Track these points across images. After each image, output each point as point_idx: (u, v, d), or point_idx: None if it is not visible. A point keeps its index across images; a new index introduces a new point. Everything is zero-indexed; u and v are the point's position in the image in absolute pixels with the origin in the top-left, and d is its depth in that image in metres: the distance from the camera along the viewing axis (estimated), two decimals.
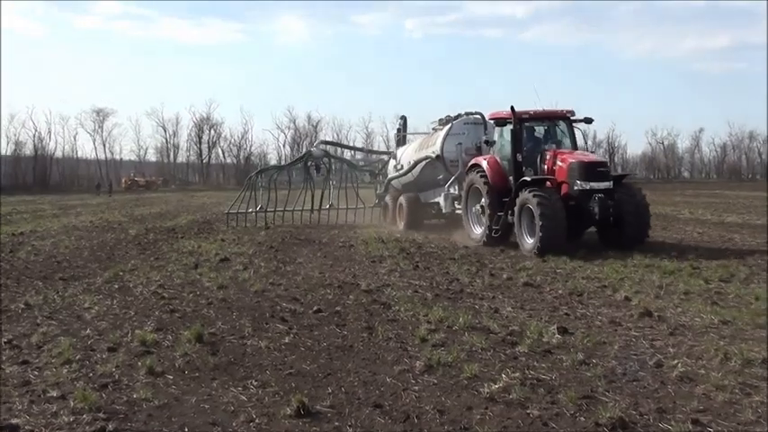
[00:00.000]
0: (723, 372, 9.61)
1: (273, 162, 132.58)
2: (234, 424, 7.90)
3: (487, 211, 25.44)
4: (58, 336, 12.02)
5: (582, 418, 7.92)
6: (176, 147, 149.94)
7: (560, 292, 15.99)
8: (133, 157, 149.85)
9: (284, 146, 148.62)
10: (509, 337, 11.65)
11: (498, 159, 26.22)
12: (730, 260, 19.71)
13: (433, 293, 15.78)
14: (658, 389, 9.03)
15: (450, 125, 31.80)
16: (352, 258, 22.47)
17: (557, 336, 11.61)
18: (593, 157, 25.50)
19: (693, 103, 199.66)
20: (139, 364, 10.18)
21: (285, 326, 12.67)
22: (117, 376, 9.69)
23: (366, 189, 42.01)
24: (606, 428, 7.57)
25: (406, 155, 35.73)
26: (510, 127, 25.55)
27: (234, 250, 24.20)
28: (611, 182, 23.86)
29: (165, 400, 8.76)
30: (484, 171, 26.01)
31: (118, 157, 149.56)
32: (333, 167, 40.59)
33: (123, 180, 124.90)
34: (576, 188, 23.40)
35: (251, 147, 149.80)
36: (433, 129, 33.92)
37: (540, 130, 26.45)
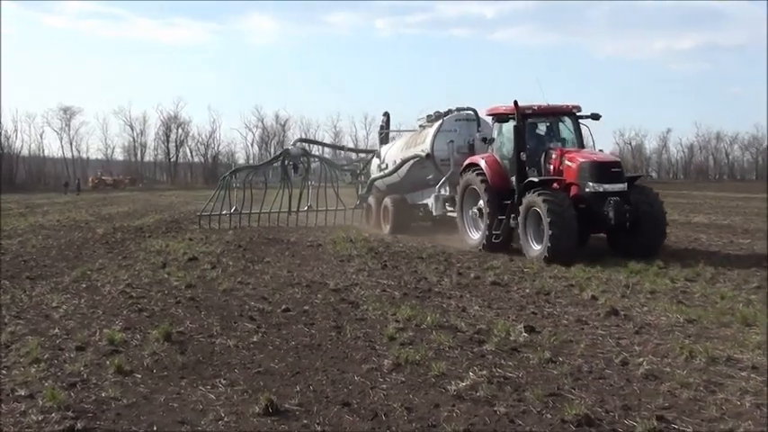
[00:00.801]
0: (688, 369, 9.74)
1: (242, 161, 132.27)
2: (202, 422, 7.93)
3: (486, 215, 23.67)
4: (26, 335, 12.00)
5: (548, 416, 8.00)
6: (144, 146, 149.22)
7: (528, 291, 16.13)
8: (100, 156, 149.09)
9: (252, 145, 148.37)
10: (476, 335, 11.73)
11: (498, 158, 24.41)
12: (696, 260, 19.81)
13: (402, 292, 15.84)
14: (624, 386, 9.15)
15: (440, 122, 29.91)
16: (320, 258, 22.47)
17: (524, 334, 11.70)
18: (606, 157, 23.66)
19: (661, 104, 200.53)
20: (108, 363, 10.16)
21: (253, 325, 12.69)
22: (85, 375, 9.69)
23: (346, 189, 39.44)
24: (572, 425, 7.66)
25: (391, 153, 33.80)
26: (511, 123, 23.66)
27: (202, 249, 24.15)
28: (626, 184, 22.03)
29: (133, 398, 8.76)
30: (482, 171, 24.16)
31: (85, 156, 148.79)
32: (311, 167, 38.53)
33: (90, 179, 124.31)
34: (587, 190, 21.61)
35: (219, 146, 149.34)
36: (421, 126, 32.23)
37: (543, 127, 24.74)
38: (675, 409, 8.21)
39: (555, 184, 22.12)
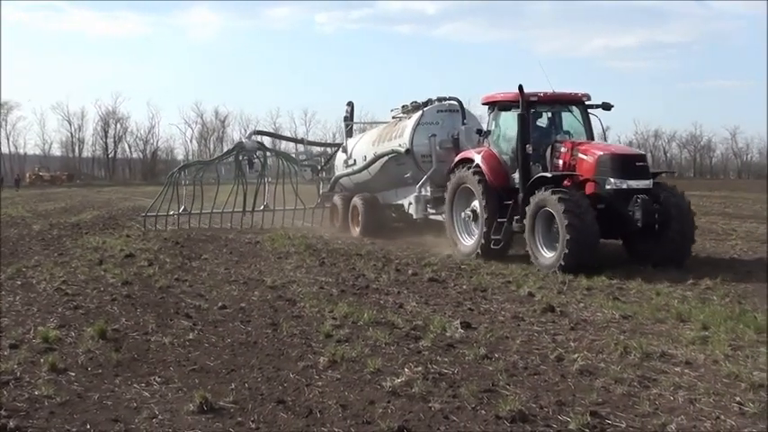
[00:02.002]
0: (622, 365, 9.84)
1: (180, 157, 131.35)
2: (136, 420, 7.87)
3: (484, 217, 20.92)
4: None
5: (483, 411, 8.04)
6: (82, 141, 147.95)
7: (465, 287, 16.22)
8: (38, 152, 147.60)
9: (191, 141, 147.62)
10: (413, 331, 11.76)
11: (496, 153, 21.74)
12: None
13: (339, 289, 15.83)
14: (558, 382, 9.22)
15: (420, 113, 27.01)
16: (257, 255, 22.42)
17: (460, 330, 11.75)
18: (628, 149, 21.82)
19: (600, 101, 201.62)
20: (42, 360, 10.05)
21: (189, 322, 12.63)
22: (18, 373, 9.55)
23: (305, 187, 35.96)
24: (506, 421, 7.70)
25: (360, 148, 30.94)
26: (510, 113, 21.44)
27: (139, 246, 23.97)
28: (651, 180, 19.55)
29: (67, 397, 8.67)
30: (478, 167, 21.45)
31: (22, 152, 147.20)
32: (268, 162, 35.61)
33: (27, 175, 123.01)
34: (608, 187, 18.98)
35: (158, 142, 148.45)
36: (394, 117, 29.53)
37: (545, 118, 22.17)
38: (609, 405, 8.30)
39: (566, 182, 19.66)
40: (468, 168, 21.83)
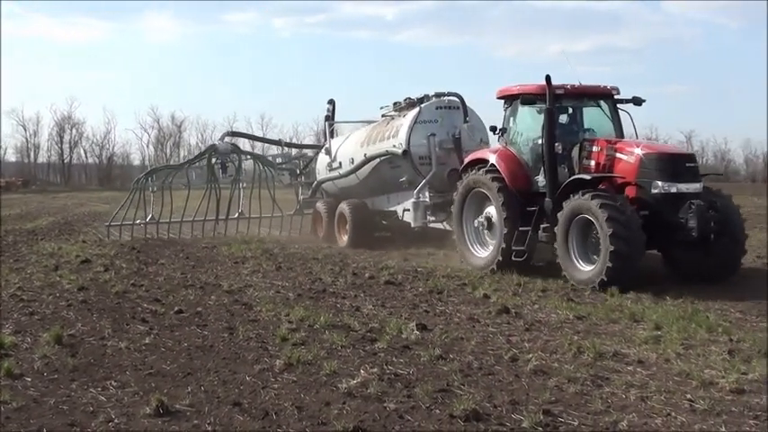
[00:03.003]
0: (576, 365, 9.99)
1: (137, 163, 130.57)
2: (93, 424, 7.88)
3: (503, 226, 18.62)
4: None
5: (437, 411, 8.12)
6: (37, 147, 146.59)
7: (421, 290, 16.32)
8: None
9: (148, 146, 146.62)
10: (369, 334, 11.85)
11: (515, 152, 19.57)
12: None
13: (296, 293, 15.88)
14: (513, 382, 9.34)
15: (416, 110, 24.58)
16: (214, 259, 22.38)
17: (416, 332, 11.83)
18: (676, 148, 19.06)
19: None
20: None
21: (146, 326, 12.62)
22: None
23: (284, 192, 33.74)
24: (460, 420, 7.78)
25: (346, 150, 28.08)
26: (529, 108, 19.38)
27: (95, 252, 23.85)
28: (701, 183, 17.46)
29: (23, 402, 8.65)
30: (495, 169, 19.20)
31: None
32: (243, 166, 32.43)
33: None
34: (654, 191, 16.88)
35: (114, 147, 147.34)
36: (385, 116, 26.93)
37: (568, 113, 19.74)
38: (562, 403, 8.41)
39: (600, 185, 17.51)
40: (482, 170, 19.56)
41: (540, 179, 18.70)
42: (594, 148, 18.14)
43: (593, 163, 18.06)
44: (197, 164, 33.99)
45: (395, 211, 25.71)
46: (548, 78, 18.22)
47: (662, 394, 8.69)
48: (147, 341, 11.50)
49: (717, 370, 9.67)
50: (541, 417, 7.82)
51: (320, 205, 29.15)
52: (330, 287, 16.76)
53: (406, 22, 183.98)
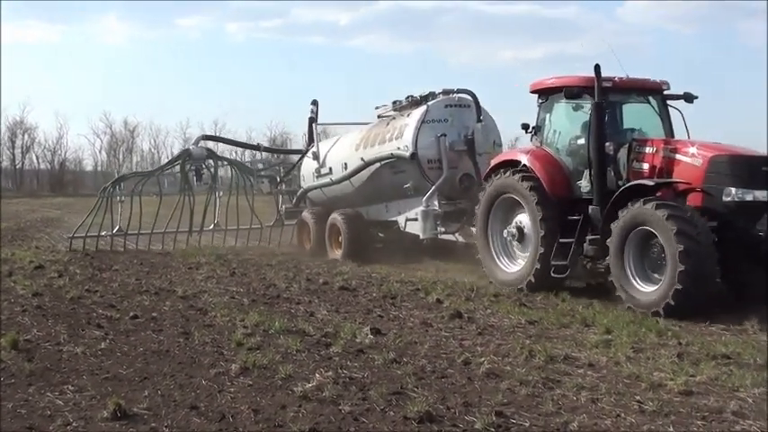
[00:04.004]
0: (527, 368, 10.15)
1: (89, 168, 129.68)
2: (51, 428, 7.90)
3: (539, 237, 16.60)
4: None
5: (391, 413, 8.24)
6: None
7: (375, 295, 16.43)
8: None
9: (100, 152, 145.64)
10: (324, 338, 11.93)
11: (551, 153, 17.55)
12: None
13: (250, 299, 15.91)
14: (465, 384, 9.47)
15: (423, 109, 22.39)
16: (168, 265, 22.32)
17: (370, 336, 11.94)
18: (749, 150, 16.21)
19: (510, 111, 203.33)
20: None
21: (101, 332, 12.60)
22: None
23: (260, 202, 30.90)
24: (414, 422, 7.90)
25: (337, 154, 25.82)
26: (565, 103, 17.42)
27: (49, 257, 23.66)
28: None
29: None
30: (529, 172, 17.15)
31: None
32: (219, 172, 30.26)
33: None
34: (726, 199, 14.70)
35: (66, 152, 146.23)
36: (381, 117, 24.79)
37: (617, 109, 17.59)
38: (514, 405, 8.55)
39: (658, 192, 15.34)
40: (514, 173, 17.43)
41: (584, 184, 16.68)
42: (648, 150, 16.09)
43: (645, 166, 15.99)
44: (169, 170, 31.35)
45: (394, 222, 23.65)
46: (597, 68, 16.09)
47: (612, 396, 8.86)
48: (102, 346, 11.49)
49: (666, 372, 9.88)
50: (494, 418, 7.94)
51: (307, 215, 26.72)
52: (284, 293, 16.82)
53: (360, 28, 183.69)
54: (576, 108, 17.16)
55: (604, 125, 16.21)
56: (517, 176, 17.24)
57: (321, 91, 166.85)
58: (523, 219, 17.46)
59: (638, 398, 8.78)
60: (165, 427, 7.91)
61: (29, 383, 9.58)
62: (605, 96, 16.28)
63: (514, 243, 17.87)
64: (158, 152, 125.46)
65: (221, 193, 29.34)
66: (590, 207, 16.12)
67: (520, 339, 11.94)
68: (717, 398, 8.86)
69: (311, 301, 15.77)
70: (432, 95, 22.68)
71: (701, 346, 11.52)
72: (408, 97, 23.33)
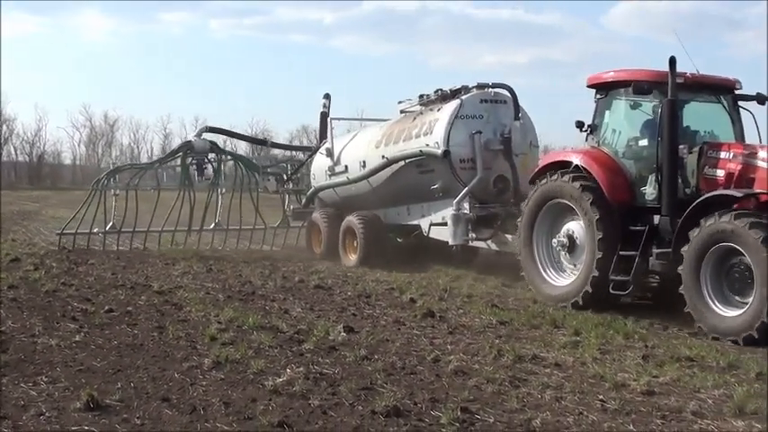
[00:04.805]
0: (495, 366, 10.34)
1: (68, 162, 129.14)
2: (24, 418, 7.99)
3: (596, 248, 14.94)
4: None
5: (359, 407, 8.38)
6: None
7: (350, 293, 16.63)
8: None
9: (79, 145, 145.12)
10: (296, 335, 12.05)
11: (610, 155, 15.88)
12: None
13: (225, 295, 16.06)
14: (434, 381, 9.63)
15: (456, 103, 20.51)
16: (145, 260, 22.42)
17: (342, 334, 12.09)
18: None
19: None
20: None
21: (76, 325, 12.68)
22: None
23: (268, 201, 29.44)
24: (381, 416, 8.05)
25: (353, 152, 23.94)
26: (624, 100, 15.96)
27: (25, 251, 23.73)
28: None
29: None
30: (585, 175, 15.51)
31: None
32: (223, 168, 28.18)
33: None
34: None
35: (45, 145, 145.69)
36: (404, 112, 23.11)
37: (685, 109, 15.37)
38: (480, 402, 8.71)
39: (736, 203, 13.62)
40: (567, 176, 15.80)
41: (649, 191, 15.06)
42: (723, 154, 14.43)
43: (720, 173, 14.31)
44: (169, 163, 29.34)
45: (416, 226, 21.98)
46: (672, 61, 14.40)
47: (576, 395, 9.05)
48: (77, 339, 11.57)
49: (630, 373, 10.07)
50: (459, 414, 8.10)
51: (318, 217, 24.91)
52: (260, 290, 16.98)
53: (343, 28, 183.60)
54: (635, 106, 15.75)
55: (678, 125, 14.62)
56: (573, 181, 15.60)
57: (303, 90, 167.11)
58: (574, 227, 15.91)
59: (600, 397, 8.96)
60: (137, 418, 8.02)
61: (2, 374, 9.61)
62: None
63: (563, 253, 16.27)
64: (138, 147, 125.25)
65: (224, 190, 27.41)
66: (658, 217, 14.61)
67: (490, 339, 12.15)
68: (677, 398, 9.06)
69: (286, 298, 15.92)
70: (464, 89, 20.86)
71: (667, 348, 11.78)
72: (437, 91, 21.51)
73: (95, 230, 25.39)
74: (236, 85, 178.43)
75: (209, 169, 27.38)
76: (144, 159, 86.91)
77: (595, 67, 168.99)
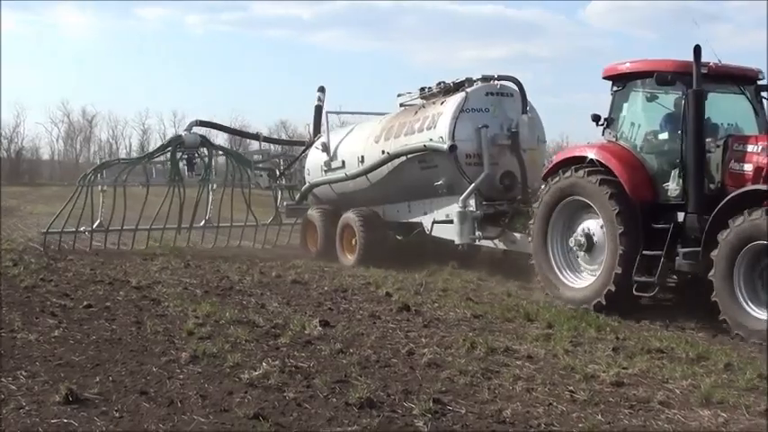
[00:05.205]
0: (468, 359, 10.52)
1: (46, 157, 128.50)
2: (4, 411, 8.09)
3: (619, 247, 14.15)
4: None
5: (334, 399, 8.54)
6: None
7: (326, 288, 16.76)
8: None
9: (58, 140, 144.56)
10: (273, 329, 12.18)
11: (629, 149, 15.17)
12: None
13: (203, 290, 16.19)
14: (407, 373, 9.81)
15: (462, 95, 19.63)
16: (123, 256, 22.50)
17: (318, 328, 12.18)
18: None
19: None
20: None
21: (55, 320, 12.76)
22: None
23: (260, 197, 28.91)
24: (355, 408, 8.21)
25: (351, 146, 23.07)
26: (640, 92, 15.35)
27: (4, 246, 23.64)
28: None
29: None
30: (605, 170, 14.72)
31: None
32: (214, 163, 27.59)
33: None
34: None
35: (23, 140, 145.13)
36: (404, 105, 22.18)
37: (712, 100, 14.48)
38: (452, 393, 8.90)
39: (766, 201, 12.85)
40: (585, 172, 15.03)
41: (672, 187, 14.27)
42: (750, 148, 13.72)
43: (748, 167, 13.61)
44: (158, 158, 27.59)
45: (417, 224, 21.18)
46: (697, 50, 13.69)
47: (546, 386, 9.24)
48: (56, 334, 11.67)
49: (600, 365, 10.26)
50: (431, 405, 8.26)
51: (314, 214, 24.06)
52: (237, 285, 17.09)
53: (323, 24, 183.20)
54: (653, 98, 15.14)
55: (703, 117, 13.85)
56: (590, 176, 14.83)
57: (282, 85, 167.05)
58: (592, 225, 15.15)
59: (570, 388, 9.15)
60: (116, 411, 8.14)
61: None
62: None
63: (580, 254, 15.45)
64: (116, 142, 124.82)
65: (215, 186, 26.68)
66: (683, 215, 13.93)
67: (464, 332, 12.33)
68: (646, 389, 9.26)
69: (263, 293, 16.04)
70: (468, 82, 19.98)
71: (638, 340, 11.98)
72: (439, 83, 20.66)
73: (82, 229, 24.48)
74: (214, 81, 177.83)
75: (200, 164, 26.49)
76: (123, 155, 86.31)
77: (573, 62, 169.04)
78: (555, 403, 8.60)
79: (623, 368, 10.14)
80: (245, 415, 7.92)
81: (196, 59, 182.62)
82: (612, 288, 14.19)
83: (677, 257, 13.69)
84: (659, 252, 13.78)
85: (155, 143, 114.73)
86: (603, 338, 12.12)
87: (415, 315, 13.81)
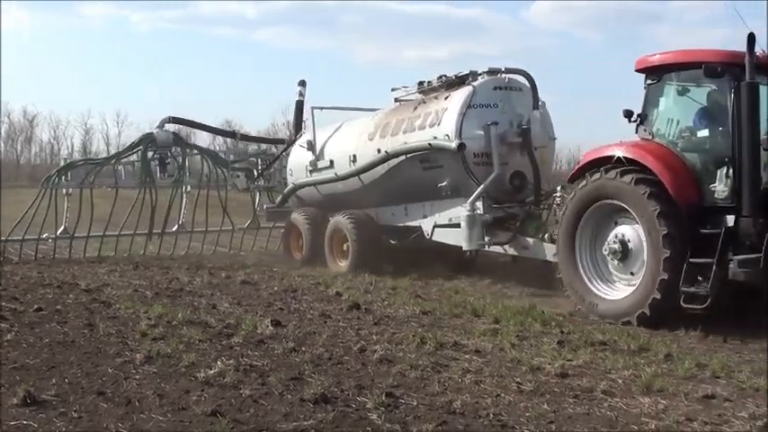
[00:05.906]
0: (418, 354, 10.76)
1: None
2: None
3: (661, 253, 12.84)
4: None
5: (289, 396, 8.70)
6: None
7: (276, 289, 16.96)
8: None
9: None
10: (225, 329, 12.32)
11: (671, 148, 13.88)
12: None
13: (153, 292, 16.26)
14: (360, 369, 10.01)
15: (469, 90, 18.33)
16: (70, 259, 22.51)
17: (270, 328, 12.33)
18: None
19: None
20: None
21: (6, 324, 12.73)
22: None
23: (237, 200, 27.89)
24: (310, 403, 8.38)
25: (340, 145, 21.76)
26: (675, 85, 14.32)
27: None
28: None
29: None
30: (644, 171, 13.40)
31: None
32: (187, 163, 25.45)
33: None
34: None
35: None
36: (399, 100, 20.88)
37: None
38: (404, 387, 9.12)
39: None
40: (613, 172, 13.79)
41: (720, 188, 13.01)
42: None
43: None
44: (128, 158, 25.51)
45: (415, 228, 19.92)
46: (751, 38, 12.46)
47: (494, 378, 9.50)
48: (8, 338, 11.69)
49: (545, 357, 10.55)
50: (384, 398, 8.46)
51: (299, 217, 22.48)
52: (187, 286, 17.21)
53: (268, 21, 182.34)
54: (683, 92, 14.26)
55: (759, 112, 12.69)
56: (623, 176, 13.53)
57: (228, 84, 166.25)
58: (627, 231, 13.86)
59: (517, 380, 9.43)
60: (74, 411, 8.22)
61: None
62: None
63: (613, 262, 14.17)
64: (58, 143, 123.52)
65: (188, 188, 25.18)
66: (738, 218, 12.69)
67: (413, 328, 12.61)
68: (589, 379, 9.55)
69: (213, 294, 16.18)
70: (473, 75, 18.67)
71: (582, 334, 12.29)
72: (440, 77, 19.26)
73: (44, 236, 22.85)
74: (159, 79, 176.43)
75: (173, 165, 24.75)
76: (65, 155, 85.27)
77: (517, 61, 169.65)
78: (503, 394, 8.86)
79: (568, 360, 10.45)
80: (202, 412, 8.06)
81: (142, 57, 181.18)
82: (658, 296, 12.86)
83: (731, 265, 12.32)
84: (710, 260, 12.46)
85: (97, 144, 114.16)
86: (549, 332, 12.45)
87: (365, 313, 14.02)
